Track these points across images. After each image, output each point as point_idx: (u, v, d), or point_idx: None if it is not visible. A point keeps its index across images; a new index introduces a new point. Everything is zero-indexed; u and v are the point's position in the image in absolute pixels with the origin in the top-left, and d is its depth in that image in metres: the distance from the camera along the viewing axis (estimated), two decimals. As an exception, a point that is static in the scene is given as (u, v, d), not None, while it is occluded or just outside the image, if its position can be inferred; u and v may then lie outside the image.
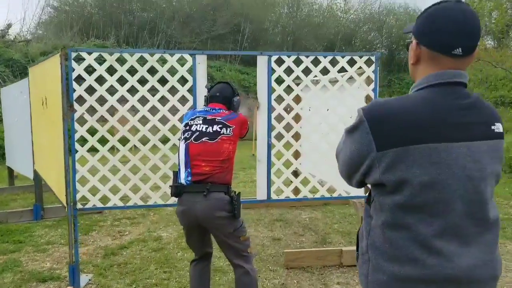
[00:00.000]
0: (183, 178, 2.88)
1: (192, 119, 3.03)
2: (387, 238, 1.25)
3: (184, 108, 3.77)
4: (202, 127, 2.96)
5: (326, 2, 29.24)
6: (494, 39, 25.14)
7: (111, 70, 3.67)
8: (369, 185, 1.37)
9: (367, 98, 4.08)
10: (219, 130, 2.95)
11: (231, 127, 3.00)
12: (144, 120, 3.74)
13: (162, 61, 3.69)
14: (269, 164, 3.94)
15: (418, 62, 1.34)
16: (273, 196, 4.00)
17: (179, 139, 3.08)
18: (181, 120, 3.76)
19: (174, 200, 3.83)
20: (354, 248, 4.31)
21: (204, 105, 3.26)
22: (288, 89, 3.90)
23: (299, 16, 27.45)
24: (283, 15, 27.47)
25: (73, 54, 3.57)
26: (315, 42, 26.47)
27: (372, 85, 4.04)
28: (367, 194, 1.44)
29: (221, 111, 3.07)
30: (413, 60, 1.34)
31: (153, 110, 3.70)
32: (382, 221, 1.26)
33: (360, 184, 1.38)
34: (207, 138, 2.92)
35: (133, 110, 3.75)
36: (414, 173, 1.18)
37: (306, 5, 28.07)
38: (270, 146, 3.92)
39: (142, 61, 3.66)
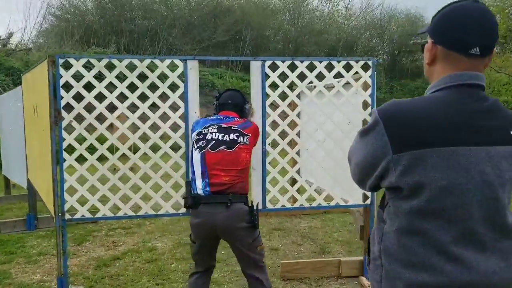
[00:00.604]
0: (200, 188, 2.79)
1: (205, 128, 2.94)
2: (402, 244, 1.21)
3: (176, 115, 3.66)
4: (218, 136, 2.88)
5: (327, 9, 29.24)
6: (496, 44, 25.01)
7: (100, 77, 3.57)
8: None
9: (364, 104, 3.96)
10: (236, 138, 2.87)
11: (248, 135, 2.93)
12: (134, 128, 3.63)
13: (153, 67, 3.60)
14: (264, 172, 3.82)
15: (433, 63, 1.30)
16: (269, 206, 3.87)
17: (193, 148, 2.96)
18: (173, 127, 3.66)
19: (166, 210, 3.73)
20: (353, 258, 4.21)
21: (215, 113, 3.17)
22: (283, 95, 3.78)
23: (300, 23, 27.47)
24: (284, 22, 27.49)
25: (61, 61, 3.48)
26: (316, 48, 26.47)
27: (369, 91, 3.93)
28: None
29: (235, 119, 3.00)
30: (428, 60, 1.31)
31: (143, 117, 3.59)
32: (397, 226, 1.23)
33: (374, 188, 1.33)
34: (225, 147, 2.84)
35: (123, 118, 3.64)
36: (432, 177, 1.15)
37: (307, 12, 28.11)
38: (265, 154, 3.80)
39: (132, 67, 3.56)
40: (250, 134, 2.96)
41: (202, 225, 2.78)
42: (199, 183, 2.82)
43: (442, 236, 1.17)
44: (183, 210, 3.72)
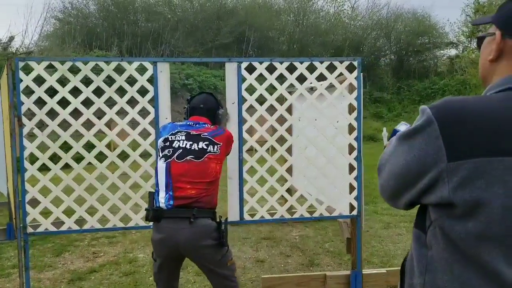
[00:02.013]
0: (163, 202, 2.55)
1: (172, 134, 2.69)
2: (457, 276, 0.97)
3: (145, 121, 3.43)
4: (186, 144, 2.63)
5: (333, 9, 28.91)
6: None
7: (63, 81, 3.34)
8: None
9: (350, 107, 3.69)
10: (205, 147, 2.64)
11: (218, 144, 2.68)
12: (100, 135, 3.40)
13: (121, 71, 3.36)
14: (241, 182, 3.57)
15: (500, 58, 1.08)
16: (246, 217, 3.62)
17: (158, 156, 2.72)
18: (143, 134, 3.42)
19: (136, 222, 3.50)
20: (339, 272, 3.93)
21: (185, 118, 2.91)
22: (261, 99, 3.52)
23: (305, 23, 27.17)
24: (289, 22, 27.21)
25: (21, 64, 3.25)
26: (322, 49, 26.14)
27: (355, 93, 3.65)
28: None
29: (206, 125, 2.75)
30: (493, 55, 1.09)
31: (111, 124, 3.36)
32: (450, 253, 0.98)
33: (410, 204, 1.08)
34: (192, 156, 2.60)
35: (88, 124, 3.41)
36: (495, 193, 0.91)
37: (312, 12, 27.80)
38: (241, 162, 3.55)
39: (97, 70, 3.33)
40: (221, 143, 2.71)
41: (164, 241, 2.54)
42: (162, 195, 2.59)
43: (504, 268, 0.93)
44: (154, 222, 3.49)
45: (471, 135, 0.93)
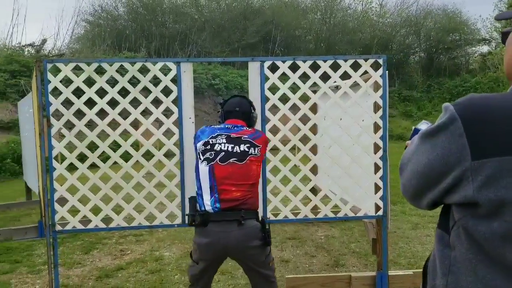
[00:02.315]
0: (209, 204, 2.57)
1: (213, 137, 2.71)
2: (481, 277, 0.94)
3: (169, 121, 3.46)
4: (228, 147, 2.65)
5: (361, 7, 28.57)
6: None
7: (90, 82, 3.41)
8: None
9: (375, 105, 3.63)
10: (246, 150, 2.66)
11: (259, 146, 2.70)
12: (125, 135, 3.45)
13: (145, 71, 3.41)
14: (265, 181, 3.56)
15: None
16: (270, 217, 3.60)
17: (198, 160, 2.72)
18: (167, 134, 3.46)
19: (160, 221, 3.53)
20: (365, 273, 3.88)
21: (220, 121, 2.92)
22: (284, 98, 3.50)
23: (332, 21, 26.95)
24: (315, 21, 27.04)
25: (49, 65, 3.33)
26: (349, 47, 25.87)
27: (380, 91, 3.59)
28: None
29: (244, 128, 2.77)
30: None
31: (136, 124, 3.40)
32: (474, 254, 0.96)
33: (433, 204, 1.06)
34: (235, 159, 2.62)
35: (114, 124, 3.46)
36: None
37: (339, 10, 27.55)
38: (265, 161, 3.53)
39: (123, 71, 3.39)
40: (261, 145, 2.74)
41: (212, 245, 2.54)
42: (207, 198, 2.59)
43: None
44: (179, 221, 3.53)
45: (495, 133, 0.90)
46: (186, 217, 3.49)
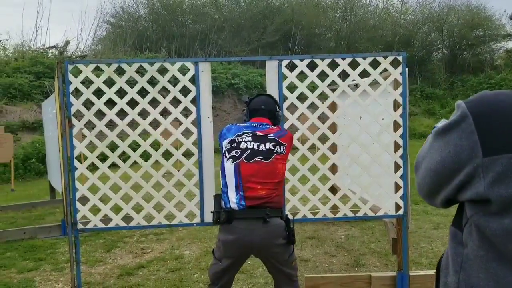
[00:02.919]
0: (234, 202, 2.58)
1: (238, 135, 2.72)
2: (492, 274, 0.95)
3: (188, 120, 3.48)
4: (254, 145, 2.66)
5: (382, 4, 28.22)
6: None
7: (110, 82, 3.45)
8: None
9: (395, 103, 3.58)
10: (272, 148, 2.66)
11: (284, 144, 2.70)
12: (144, 135, 3.49)
13: (164, 71, 3.44)
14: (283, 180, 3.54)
15: None
16: (289, 216, 3.58)
17: (224, 158, 2.72)
18: (186, 133, 3.48)
19: (179, 220, 3.56)
20: (385, 273, 3.83)
21: (245, 120, 2.93)
22: (303, 97, 3.49)
23: (353, 19, 26.69)
24: (336, 19, 26.83)
25: (70, 67, 3.39)
26: (370, 45, 25.57)
27: (400, 89, 3.54)
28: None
29: (270, 126, 2.78)
30: None
31: (155, 123, 3.44)
32: (485, 251, 0.96)
33: (448, 202, 1.06)
34: (261, 157, 2.62)
35: (133, 124, 3.50)
36: None
37: (360, 8, 27.26)
38: (283, 160, 3.52)
39: (143, 71, 3.42)
40: (287, 144, 2.73)
41: (237, 242, 2.56)
42: (232, 196, 2.60)
43: None
44: (197, 220, 3.55)
45: (506, 130, 0.90)
46: (211, 214, 3.52)
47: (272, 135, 2.70)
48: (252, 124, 2.77)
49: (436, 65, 26.84)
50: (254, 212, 2.53)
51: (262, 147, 2.64)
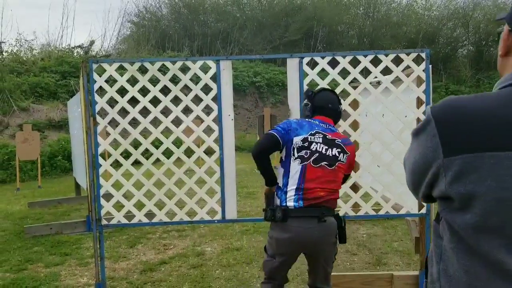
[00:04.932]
0: (291, 201, 2.55)
1: (312, 134, 2.63)
2: (462, 265, 1.03)
3: (209, 118, 3.52)
4: (323, 148, 2.60)
5: (405, 0, 27.82)
6: None
7: (133, 81, 3.51)
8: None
9: (418, 101, 3.54)
10: (337, 155, 2.62)
11: (347, 153, 2.67)
12: (166, 133, 3.53)
13: (186, 69, 3.48)
14: (304, 178, 3.54)
15: (508, 54, 1.13)
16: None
17: (291, 155, 2.61)
18: (207, 131, 3.51)
19: (201, 216, 3.59)
20: (408, 272, 3.79)
21: (308, 115, 2.81)
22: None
23: (375, 16, 26.39)
24: (358, 16, 26.58)
25: (94, 66, 3.46)
26: (393, 42, 25.26)
27: (423, 86, 3.50)
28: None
29: (336, 130, 2.74)
30: (502, 51, 1.14)
31: (177, 121, 3.48)
32: (455, 243, 1.05)
33: (427, 198, 1.16)
34: (326, 163, 2.59)
35: (156, 122, 3.55)
36: (488, 187, 0.97)
37: (383, 4, 26.95)
38: (304, 158, 3.52)
39: (165, 70, 3.47)
40: (349, 153, 2.68)
41: (293, 240, 2.55)
42: (291, 195, 2.57)
43: (505, 258, 0.97)
44: (218, 217, 3.58)
45: (464, 132, 0.99)
46: (232, 211, 3.55)
47: (340, 141, 2.65)
48: (321, 124, 2.69)
49: (462, 61, 26.35)
50: (310, 211, 2.52)
51: (329, 151, 2.60)
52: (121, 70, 3.53)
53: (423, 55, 3.48)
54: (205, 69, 3.51)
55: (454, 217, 1.03)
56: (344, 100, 3.55)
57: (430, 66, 3.52)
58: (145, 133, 3.53)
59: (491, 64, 25.41)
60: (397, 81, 3.59)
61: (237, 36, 21.78)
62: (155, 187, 3.55)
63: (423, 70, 3.49)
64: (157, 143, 3.56)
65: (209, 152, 3.49)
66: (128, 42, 22.02)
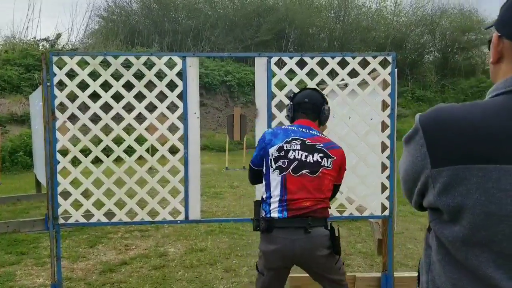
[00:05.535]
0: (275, 212, 2.44)
1: (287, 142, 2.51)
2: (449, 277, 1.01)
3: (174, 116, 3.43)
4: (302, 155, 2.48)
5: (375, 5, 28.31)
6: None
7: (95, 75, 3.39)
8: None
9: (383, 104, 3.56)
10: (319, 160, 2.47)
11: (332, 158, 2.50)
12: (129, 129, 3.43)
13: (150, 65, 3.38)
14: (269, 179, 3.51)
15: (500, 61, 1.09)
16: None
17: (269, 166, 2.51)
18: (172, 129, 3.43)
19: (163, 217, 3.51)
20: (370, 274, 3.81)
21: (289, 114, 2.73)
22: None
23: (346, 20, 26.75)
24: (329, 19, 26.87)
25: (55, 58, 3.32)
26: (363, 46, 25.67)
27: (388, 89, 3.52)
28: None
29: (319, 134, 2.58)
30: (493, 58, 1.10)
31: (140, 118, 3.38)
32: (442, 255, 1.03)
33: (420, 206, 1.12)
34: (308, 171, 2.46)
35: (118, 118, 3.44)
36: (477, 200, 0.93)
37: (354, 9, 27.33)
38: (270, 159, 3.49)
39: (130, 64, 3.36)
40: (336, 157, 2.51)
41: (279, 252, 2.41)
42: (274, 206, 2.45)
43: (493, 273, 0.95)
44: (181, 217, 3.50)
45: (452, 143, 0.96)
46: (195, 211, 3.46)
47: (322, 145, 2.51)
48: (300, 129, 2.57)
49: (428, 67, 27.00)
50: (295, 221, 2.40)
51: (310, 158, 2.47)
52: (86, 64, 3.40)
53: (389, 58, 3.51)
54: (172, 65, 3.42)
55: (442, 228, 1.01)
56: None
57: (396, 70, 3.54)
58: (107, 129, 3.41)
59: (455, 70, 26.18)
60: (363, 84, 3.60)
61: (208, 34, 21.63)
62: (115, 186, 3.44)
63: (389, 74, 3.51)
64: (118, 140, 3.45)
65: (173, 150, 3.41)
66: (96, 36, 21.55)
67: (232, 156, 13.83)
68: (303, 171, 2.44)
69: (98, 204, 3.42)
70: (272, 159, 2.50)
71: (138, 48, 18.89)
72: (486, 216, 0.93)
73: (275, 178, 2.47)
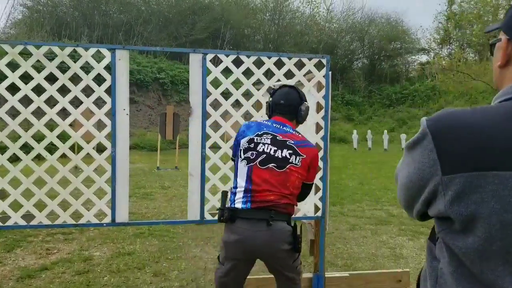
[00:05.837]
0: (239, 202, 2.41)
1: (258, 135, 2.50)
2: None
3: (101, 111, 3.23)
4: (271, 149, 2.46)
5: (308, 10, 29.03)
6: (475, 51, 25.08)
7: (15, 66, 3.10)
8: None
9: (318, 106, 3.59)
10: (288, 156, 2.45)
11: (302, 156, 2.47)
12: (52, 125, 3.18)
13: (76, 57, 3.16)
14: (203, 180, 3.41)
15: (508, 64, 1.05)
16: (207, 216, 3.46)
17: (237, 157, 2.51)
18: (99, 126, 3.22)
19: (87, 219, 3.29)
20: (303, 275, 3.82)
21: (267, 113, 2.69)
22: (227, 93, 3.37)
23: (281, 23, 27.17)
24: (265, 21, 27.17)
25: (-34, 45, 3.00)
26: (296, 50, 26.21)
27: (323, 91, 3.55)
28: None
29: (293, 131, 2.54)
30: (501, 61, 1.06)
31: (64, 113, 3.14)
32: (455, 267, 0.96)
33: (422, 216, 1.07)
34: (274, 165, 2.43)
35: (39, 113, 3.17)
36: (492, 208, 0.89)
37: (288, 12, 27.84)
38: (204, 158, 3.39)
39: (53, 56, 3.12)
40: (305, 156, 2.48)
41: (240, 243, 2.37)
42: (239, 196, 2.43)
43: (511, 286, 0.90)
44: (108, 220, 3.30)
45: (464, 148, 0.91)
46: (123, 214, 3.28)
47: (292, 142, 2.50)
48: (274, 125, 2.55)
49: (357, 73, 28.15)
50: (258, 213, 2.38)
51: (278, 153, 2.46)
52: (4, 54, 3.10)
53: (324, 61, 3.54)
54: (100, 58, 3.22)
55: (454, 239, 0.95)
56: (247, 101, 3.49)
57: (330, 72, 3.59)
58: (26, 125, 3.14)
59: (382, 77, 27.50)
60: (299, 85, 3.60)
61: (141, 30, 21.03)
62: (35, 186, 3.17)
63: (324, 76, 3.54)
64: (39, 137, 3.18)
65: (100, 149, 3.20)
66: (20, 27, 20.18)
67: (164, 156, 13.51)
68: (270, 165, 2.44)
69: (16, 206, 3.14)
70: (242, 150, 2.51)
71: (65, 40, 17.92)
72: (502, 225, 0.89)
73: (243, 168, 2.48)
